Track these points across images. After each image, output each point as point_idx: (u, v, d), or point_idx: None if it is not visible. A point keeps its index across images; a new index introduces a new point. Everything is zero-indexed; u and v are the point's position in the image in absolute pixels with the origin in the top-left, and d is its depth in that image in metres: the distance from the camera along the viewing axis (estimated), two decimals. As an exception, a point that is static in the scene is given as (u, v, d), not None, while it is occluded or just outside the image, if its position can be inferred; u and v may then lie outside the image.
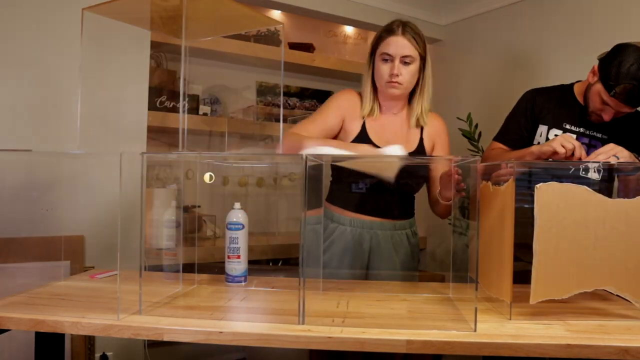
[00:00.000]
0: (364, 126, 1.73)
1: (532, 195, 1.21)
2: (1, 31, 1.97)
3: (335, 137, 1.75)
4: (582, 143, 1.71)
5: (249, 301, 1.39)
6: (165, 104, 2.55)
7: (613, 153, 1.48)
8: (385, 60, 1.68)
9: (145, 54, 2.27)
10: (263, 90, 3.13)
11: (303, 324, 1.15)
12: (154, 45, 2.47)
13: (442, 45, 3.33)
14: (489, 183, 1.37)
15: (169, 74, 2.67)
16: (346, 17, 2.92)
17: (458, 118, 2.75)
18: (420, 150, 1.75)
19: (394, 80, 1.66)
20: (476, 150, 2.70)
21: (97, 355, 2.11)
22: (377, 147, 1.64)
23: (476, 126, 2.71)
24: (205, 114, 2.70)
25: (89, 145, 2.09)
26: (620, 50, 1.60)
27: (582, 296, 1.34)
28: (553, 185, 1.20)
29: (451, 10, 3.25)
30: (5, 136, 1.97)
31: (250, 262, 2.07)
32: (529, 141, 1.80)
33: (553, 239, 1.20)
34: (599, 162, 1.67)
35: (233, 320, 1.20)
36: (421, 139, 1.76)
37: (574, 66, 2.54)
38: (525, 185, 1.50)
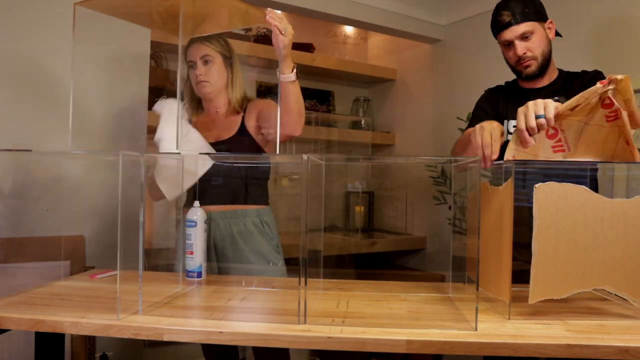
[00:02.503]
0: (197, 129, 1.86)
1: (530, 195, 1.21)
2: (1, 31, 1.97)
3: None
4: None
5: (249, 301, 1.39)
6: (165, 104, 2.54)
7: (538, 112, 1.39)
8: (192, 67, 1.85)
9: (145, 53, 2.27)
10: (263, 90, 3.13)
11: (304, 323, 1.15)
12: (154, 45, 2.47)
13: (442, 45, 3.33)
14: (488, 183, 1.37)
15: (169, 74, 2.67)
16: (346, 17, 2.92)
17: (458, 118, 2.75)
18: (241, 131, 1.87)
19: (200, 80, 1.83)
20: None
21: (97, 355, 2.11)
22: (206, 143, 1.78)
23: (476, 126, 2.71)
24: (205, 114, 2.70)
25: (81, 145, 2.10)
26: None
27: (582, 296, 1.34)
28: (551, 185, 1.21)
29: (451, 10, 3.25)
30: (6, 136, 1.97)
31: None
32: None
33: (552, 239, 1.20)
34: (596, 161, 1.67)
35: (233, 320, 1.20)
36: (242, 123, 1.88)
37: (574, 66, 2.55)
38: (521, 185, 1.50)
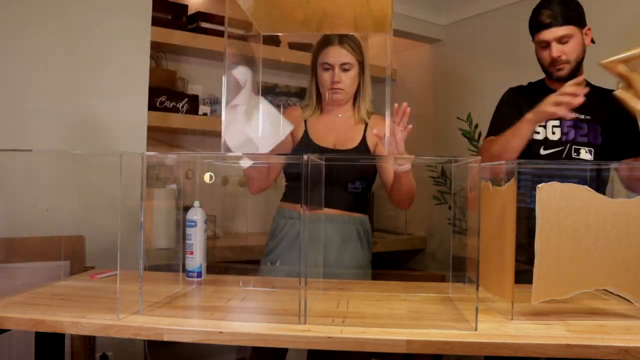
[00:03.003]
0: (306, 128, 1.84)
1: (532, 196, 1.21)
2: (2, 30, 1.97)
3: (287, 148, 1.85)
4: (568, 126, 1.78)
5: (249, 301, 1.39)
6: (165, 104, 2.55)
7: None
8: (327, 69, 1.80)
9: (145, 53, 2.26)
10: (263, 90, 3.13)
11: (305, 323, 1.15)
12: (154, 45, 2.47)
13: (442, 45, 3.33)
14: (489, 183, 1.37)
15: (169, 74, 2.67)
16: (346, 17, 2.91)
17: (458, 118, 2.75)
18: (362, 145, 1.83)
19: (336, 87, 1.78)
20: (476, 150, 2.70)
21: (97, 355, 2.10)
22: (318, 145, 1.80)
23: (476, 126, 2.71)
24: (205, 114, 2.70)
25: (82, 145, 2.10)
26: None
27: (582, 296, 1.34)
28: (554, 185, 1.21)
29: (451, 10, 3.25)
30: (6, 136, 1.97)
31: (250, 262, 2.08)
32: None
33: (554, 239, 1.20)
34: (592, 162, 1.69)
35: (233, 320, 1.20)
36: (364, 136, 1.84)
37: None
38: (527, 185, 1.50)
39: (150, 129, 2.33)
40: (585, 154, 1.76)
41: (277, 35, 2.87)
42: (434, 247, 3.29)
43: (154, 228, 2.15)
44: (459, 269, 1.45)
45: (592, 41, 1.80)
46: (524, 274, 1.22)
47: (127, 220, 1.40)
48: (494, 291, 1.32)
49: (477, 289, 1.19)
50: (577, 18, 1.73)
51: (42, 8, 2.03)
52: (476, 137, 2.71)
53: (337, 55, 1.77)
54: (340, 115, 1.87)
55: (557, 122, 1.79)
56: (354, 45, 1.81)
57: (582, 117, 1.78)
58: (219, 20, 2.74)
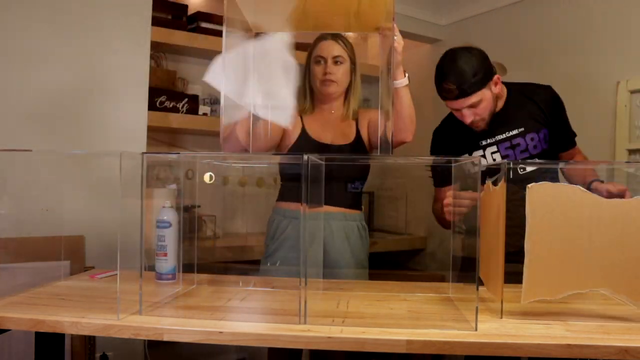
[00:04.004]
0: (303, 124, 1.87)
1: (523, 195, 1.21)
2: (2, 30, 1.97)
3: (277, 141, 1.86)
4: (506, 148, 1.75)
5: (249, 301, 1.39)
6: (165, 104, 2.55)
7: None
8: (319, 62, 1.84)
9: (145, 53, 2.26)
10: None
11: (304, 323, 1.15)
12: (154, 45, 2.47)
13: (442, 45, 3.32)
14: (490, 183, 1.37)
15: (169, 74, 2.67)
16: (346, 17, 2.91)
17: (458, 118, 2.74)
18: (358, 140, 1.88)
19: (328, 78, 1.82)
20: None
21: (97, 355, 2.10)
22: (317, 142, 1.82)
23: (476, 126, 2.71)
24: (205, 114, 2.70)
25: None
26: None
27: (582, 296, 1.34)
28: (545, 185, 1.20)
29: (451, 10, 3.25)
30: (6, 136, 1.97)
31: (250, 262, 2.08)
32: None
33: (545, 239, 1.20)
34: (598, 162, 1.68)
35: (233, 320, 1.20)
36: (357, 131, 1.89)
37: (574, 66, 2.55)
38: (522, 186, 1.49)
39: (150, 129, 2.33)
40: (532, 167, 1.74)
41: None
42: (434, 247, 3.29)
43: (154, 228, 2.15)
44: (459, 269, 1.45)
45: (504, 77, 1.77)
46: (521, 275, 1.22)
47: (127, 220, 1.40)
48: (493, 290, 1.32)
49: (477, 289, 1.19)
50: (483, 78, 1.64)
51: (42, 8, 2.03)
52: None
53: (330, 48, 1.83)
54: (333, 111, 1.90)
55: (494, 148, 1.77)
56: (347, 42, 1.87)
57: (516, 131, 1.76)
58: (219, 20, 2.74)
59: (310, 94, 1.91)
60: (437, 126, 1.94)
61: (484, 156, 1.78)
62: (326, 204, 1.76)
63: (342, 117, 1.90)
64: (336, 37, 1.84)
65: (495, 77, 1.70)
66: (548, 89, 1.79)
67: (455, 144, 1.81)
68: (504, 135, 1.76)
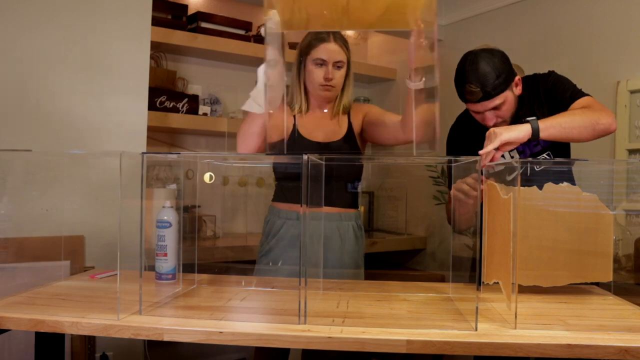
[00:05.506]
0: (295, 124, 1.85)
1: None
2: (2, 30, 1.97)
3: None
4: (523, 145, 1.71)
5: (249, 301, 1.39)
6: (165, 104, 2.55)
7: (498, 141, 1.47)
8: (320, 65, 1.79)
9: (145, 53, 2.26)
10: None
11: (304, 323, 1.15)
12: (154, 45, 2.47)
13: (442, 46, 3.32)
14: (493, 182, 1.37)
15: (169, 74, 2.67)
16: (346, 17, 2.91)
17: (458, 118, 2.74)
18: (350, 134, 1.87)
19: (329, 84, 1.79)
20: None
21: (97, 355, 2.11)
22: (310, 141, 1.82)
23: (476, 126, 2.71)
24: (205, 114, 2.70)
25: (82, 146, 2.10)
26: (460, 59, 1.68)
27: (582, 296, 1.34)
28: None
29: (451, 10, 3.25)
30: (6, 136, 1.97)
31: (250, 262, 2.07)
32: None
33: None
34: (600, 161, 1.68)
35: (233, 320, 1.20)
36: (349, 125, 1.88)
37: (575, 66, 2.55)
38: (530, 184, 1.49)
39: (150, 129, 2.33)
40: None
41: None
42: (434, 247, 3.29)
43: (154, 228, 2.15)
44: (459, 269, 1.45)
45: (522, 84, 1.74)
46: None
47: (127, 220, 1.40)
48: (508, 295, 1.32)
49: (477, 289, 1.19)
50: (505, 82, 1.62)
51: (42, 8, 2.03)
52: (476, 137, 2.71)
53: (332, 52, 1.78)
54: (326, 110, 1.89)
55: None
56: (345, 42, 1.83)
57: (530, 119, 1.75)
58: (219, 20, 2.75)
59: (305, 94, 1.87)
60: (453, 123, 1.92)
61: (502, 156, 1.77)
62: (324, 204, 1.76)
63: (333, 115, 1.89)
64: (337, 39, 1.80)
65: (517, 78, 1.68)
66: (549, 75, 1.75)
67: (472, 142, 1.78)
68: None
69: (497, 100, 1.63)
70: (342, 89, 1.88)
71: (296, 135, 1.84)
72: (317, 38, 1.82)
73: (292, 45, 3.09)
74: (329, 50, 1.78)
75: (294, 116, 1.86)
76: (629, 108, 2.36)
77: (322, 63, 1.79)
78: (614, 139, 2.40)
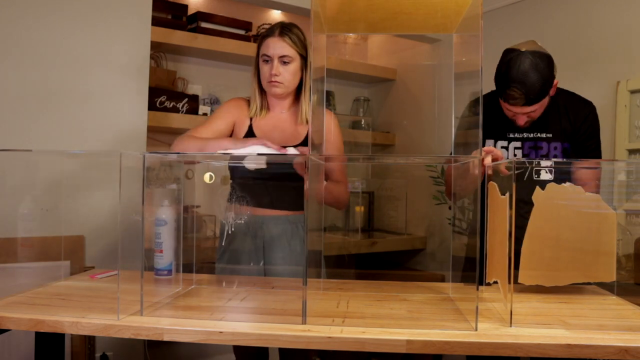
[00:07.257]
0: (250, 126, 1.81)
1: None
2: (1, 30, 1.98)
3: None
4: (529, 147, 1.76)
5: (249, 301, 1.40)
6: (165, 104, 2.55)
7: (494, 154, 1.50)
8: (266, 62, 1.75)
9: (145, 53, 2.26)
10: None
11: (305, 323, 1.15)
12: (154, 45, 2.47)
13: (442, 45, 3.33)
14: (494, 183, 1.37)
15: (169, 74, 2.67)
16: (346, 17, 2.91)
17: (457, 118, 2.74)
18: (305, 143, 1.80)
19: (274, 80, 1.74)
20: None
21: (97, 355, 2.11)
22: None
23: (476, 126, 2.71)
24: (205, 114, 2.70)
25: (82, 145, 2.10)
26: (502, 56, 1.67)
27: (582, 296, 1.34)
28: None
29: (451, 10, 3.25)
30: (6, 135, 1.97)
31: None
32: None
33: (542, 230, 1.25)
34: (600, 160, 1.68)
35: (233, 320, 1.20)
36: (307, 133, 1.82)
37: (575, 66, 2.55)
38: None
39: (150, 129, 2.33)
40: (545, 175, 1.72)
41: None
42: (434, 247, 3.29)
43: (154, 227, 2.15)
44: (459, 269, 1.45)
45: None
46: None
47: (127, 220, 1.40)
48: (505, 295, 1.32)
49: (477, 289, 1.19)
50: (547, 90, 1.62)
51: (42, 7, 2.03)
52: (476, 137, 2.71)
53: (277, 47, 1.72)
54: (283, 112, 1.83)
55: (518, 144, 1.78)
56: (296, 38, 1.75)
57: (543, 135, 1.77)
58: (219, 20, 2.75)
59: (260, 93, 1.82)
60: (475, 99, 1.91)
61: (507, 148, 1.78)
62: (271, 207, 1.77)
63: (294, 119, 1.82)
64: (283, 32, 1.73)
65: (555, 81, 1.67)
66: (589, 106, 1.76)
67: (486, 126, 1.78)
68: (532, 134, 1.76)
69: (536, 106, 1.64)
70: (300, 88, 1.81)
71: (250, 137, 1.79)
72: (265, 34, 1.77)
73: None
74: (273, 45, 1.72)
75: (250, 118, 1.82)
76: (629, 108, 2.36)
77: (267, 59, 1.74)
78: (614, 139, 2.40)
